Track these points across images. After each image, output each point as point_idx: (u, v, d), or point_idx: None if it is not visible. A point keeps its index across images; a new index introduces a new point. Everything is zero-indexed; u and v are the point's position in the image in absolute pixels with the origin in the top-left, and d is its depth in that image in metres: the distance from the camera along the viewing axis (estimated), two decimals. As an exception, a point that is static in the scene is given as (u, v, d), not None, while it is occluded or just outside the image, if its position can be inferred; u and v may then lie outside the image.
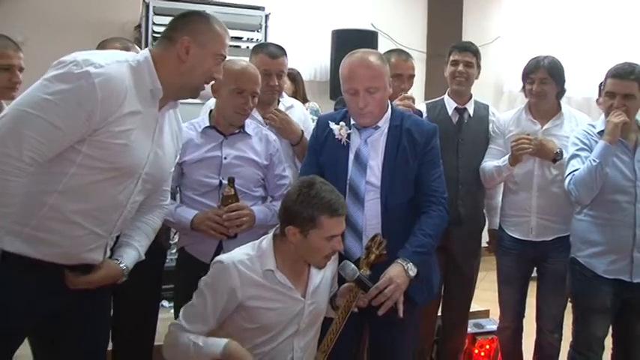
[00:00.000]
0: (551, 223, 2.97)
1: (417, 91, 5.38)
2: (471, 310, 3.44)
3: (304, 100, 4.31)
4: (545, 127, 2.99)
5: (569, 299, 2.98)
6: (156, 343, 2.73)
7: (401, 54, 3.05)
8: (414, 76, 3.04)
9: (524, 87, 3.05)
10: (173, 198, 2.53)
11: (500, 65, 6.01)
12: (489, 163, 3.05)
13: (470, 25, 5.85)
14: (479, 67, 3.14)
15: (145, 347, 2.67)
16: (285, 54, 2.77)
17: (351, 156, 2.28)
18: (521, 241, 3.03)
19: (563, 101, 3.08)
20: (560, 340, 3.10)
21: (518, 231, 3.04)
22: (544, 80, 2.93)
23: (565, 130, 2.96)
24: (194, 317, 1.95)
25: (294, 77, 4.43)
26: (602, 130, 2.67)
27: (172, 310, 2.75)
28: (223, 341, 1.88)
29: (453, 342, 3.31)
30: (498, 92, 6.02)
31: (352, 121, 2.33)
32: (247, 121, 2.53)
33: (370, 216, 2.23)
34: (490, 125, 3.15)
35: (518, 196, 3.02)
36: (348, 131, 2.30)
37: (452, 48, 3.17)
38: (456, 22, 5.83)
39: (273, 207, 2.48)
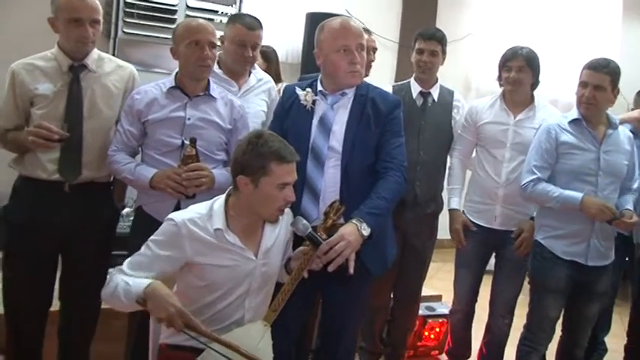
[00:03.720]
0: (515, 214, 3.05)
1: (387, 80, 5.44)
2: (425, 294, 3.50)
3: (278, 80, 4.29)
4: (518, 117, 3.05)
5: (525, 283, 3.06)
6: (104, 306, 2.69)
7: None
8: (375, 49, 3.16)
9: (499, 76, 3.10)
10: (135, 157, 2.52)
11: (470, 62, 6.09)
12: (455, 171, 3.17)
13: (443, 20, 5.89)
14: (444, 53, 3.18)
15: (92, 305, 2.63)
16: (261, 26, 2.76)
17: (315, 121, 2.29)
18: (484, 227, 3.10)
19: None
20: (510, 325, 3.19)
21: (482, 218, 3.11)
22: (521, 68, 3.01)
23: (536, 123, 3.02)
24: (136, 265, 1.94)
25: (268, 55, 4.41)
26: (574, 119, 2.78)
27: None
28: (148, 281, 1.87)
29: (404, 322, 3.36)
30: (467, 88, 6.09)
31: (319, 88, 2.34)
32: (213, 85, 2.53)
33: (330, 181, 2.25)
34: (454, 110, 3.20)
35: (486, 184, 3.08)
36: (314, 97, 2.31)
37: (417, 35, 3.20)
38: (429, 15, 5.86)
39: None
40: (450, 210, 3.17)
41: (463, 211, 3.21)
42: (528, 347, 2.89)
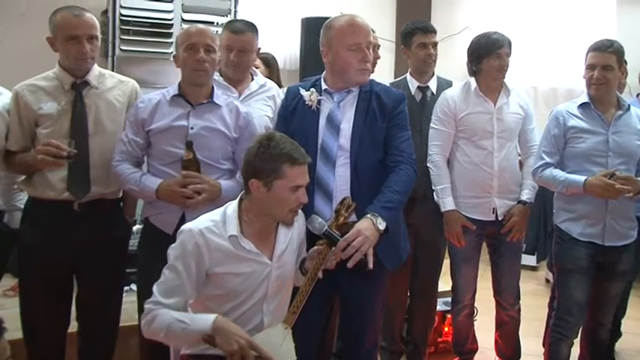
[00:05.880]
0: (511, 201, 3.04)
1: (385, 79, 5.43)
2: (441, 289, 3.46)
3: (279, 86, 4.28)
4: (498, 105, 3.03)
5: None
6: (122, 324, 2.69)
7: None
8: (379, 46, 3.13)
9: (479, 63, 3.01)
10: (140, 167, 2.49)
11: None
12: (442, 169, 3.03)
13: (438, 16, 5.89)
14: None
15: (110, 324, 2.63)
16: (253, 30, 2.73)
17: (322, 121, 2.29)
18: (480, 220, 3.05)
19: (529, 91, 3.16)
20: (520, 309, 3.18)
21: (477, 212, 3.04)
22: (508, 55, 3.01)
23: (512, 107, 3.04)
24: (170, 291, 1.90)
25: (269, 62, 4.40)
26: (583, 103, 2.80)
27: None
28: (211, 316, 1.85)
29: (423, 318, 3.33)
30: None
31: (324, 87, 2.34)
32: (217, 92, 2.50)
33: (340, 179, 2.24)
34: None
35: (478, 177, 3.01)
36: (319, 97, 2.31)
37: (414, 30, 3.16)
38: (424, 12, 5.86)
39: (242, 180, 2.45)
40: (445, 212, 3.03)
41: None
42: (559, 335, 2.86)
